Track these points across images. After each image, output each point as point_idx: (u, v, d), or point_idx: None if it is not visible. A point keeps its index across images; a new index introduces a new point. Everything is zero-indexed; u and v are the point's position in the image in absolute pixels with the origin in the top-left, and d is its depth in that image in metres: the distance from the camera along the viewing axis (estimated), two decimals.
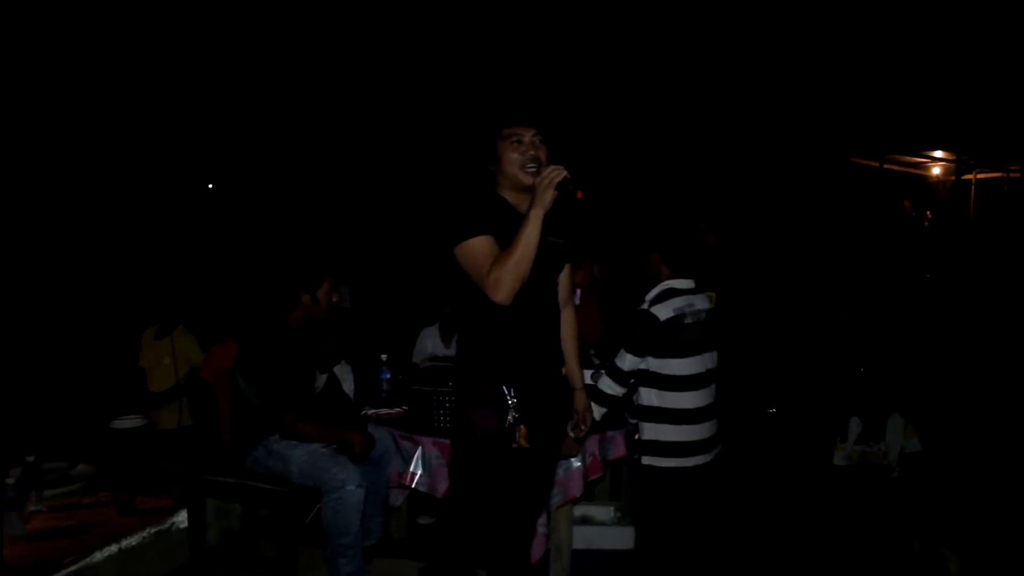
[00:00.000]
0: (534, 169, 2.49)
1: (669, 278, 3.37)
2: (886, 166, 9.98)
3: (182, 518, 3.67)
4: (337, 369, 4.26)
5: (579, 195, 2.36)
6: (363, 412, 4.02)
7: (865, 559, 3.90)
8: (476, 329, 2.60)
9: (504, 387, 2.53)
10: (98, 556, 3.16)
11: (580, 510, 4.24)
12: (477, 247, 2.47)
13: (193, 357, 5.19)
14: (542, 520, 3.37)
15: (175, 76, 9.11)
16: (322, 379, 4.11)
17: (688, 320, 3.23)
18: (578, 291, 4.69)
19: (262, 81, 9.62)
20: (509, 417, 2.52)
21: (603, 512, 4.41)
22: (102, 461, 4.06)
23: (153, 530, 3.53)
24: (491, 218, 2.51)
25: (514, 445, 2.53)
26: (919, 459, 4.04)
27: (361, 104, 9.94)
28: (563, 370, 2.71)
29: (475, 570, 2.74)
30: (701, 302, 3.33)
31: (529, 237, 2.37)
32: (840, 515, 4.12)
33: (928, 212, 9.32)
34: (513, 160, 2.53)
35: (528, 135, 2.54)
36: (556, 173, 2.37)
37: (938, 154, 10.04)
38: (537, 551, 3.35)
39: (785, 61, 9.05)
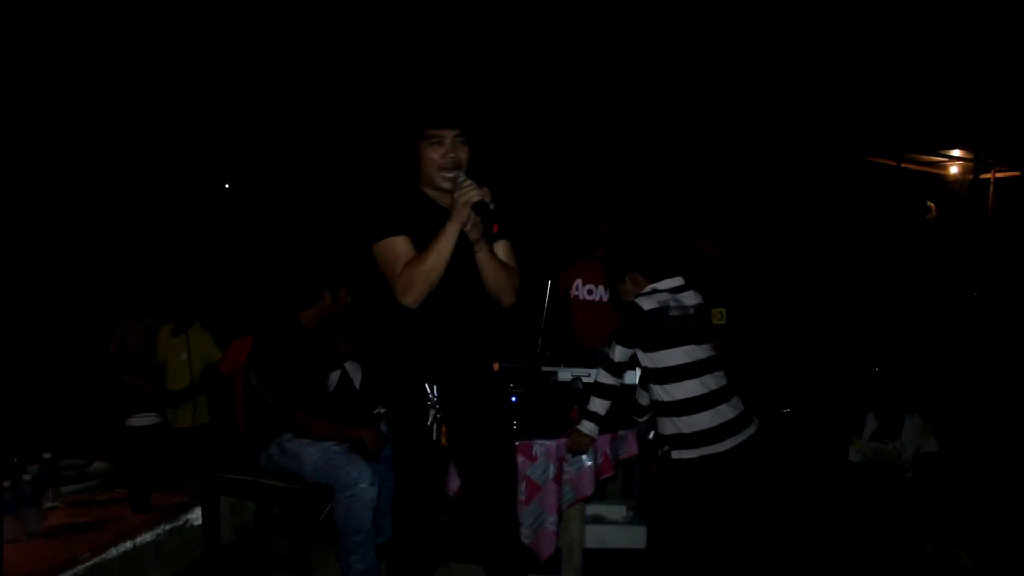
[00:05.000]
0: (451, 172, 2.52)
1: (650, 283, 3.42)
2: (903, 165, 9.90)
3: (196, 515, 3.71)
4: (349, 367, 4.29)
5: (495, 229, 2.39)
6: (376, 411, 4.04)
7: (878, 558, 3.89)
8: (395, 326, 2.63)
9: (427, 385, 2.58)
10: (113, 552, 3.20)
11: (592, 509, 4.25)
12: (392, 248, 2.53)
13: (209, 353, 5.23)
14: (552, 519, 3.38)
15: (190, 75, 9.17)
16: (334, 377, 4.15)
17: (673, 312, 3.26)
18: (607, 288, 4.70)
19: (271, 83, 9.65)
20: (431, 415, 2.57)
21: (615, 511, 4.41)
22: (118, 458, 4.10)
23: (168, 527, 3.56)
24: (411, 215, 2.54)
25: (441, 443, 2.59)
26: (934, 460, 4.02)
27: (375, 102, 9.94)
28: (495, 366, 2.71)
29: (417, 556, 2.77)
30: (689, 299, 3.35)
31: (442, 250, 2.44)
32: (853, 514, 4.11)
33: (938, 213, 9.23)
34: (432, 161, 2.55)
35: (449, 136, 2.54)
36: (473, 193, 2.41)
37: (956, 153, 9.93)
38: (548, 549, 3.36)
39: (801, 58, 8.99)
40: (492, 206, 2.43)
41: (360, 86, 9.53)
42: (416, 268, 2.45)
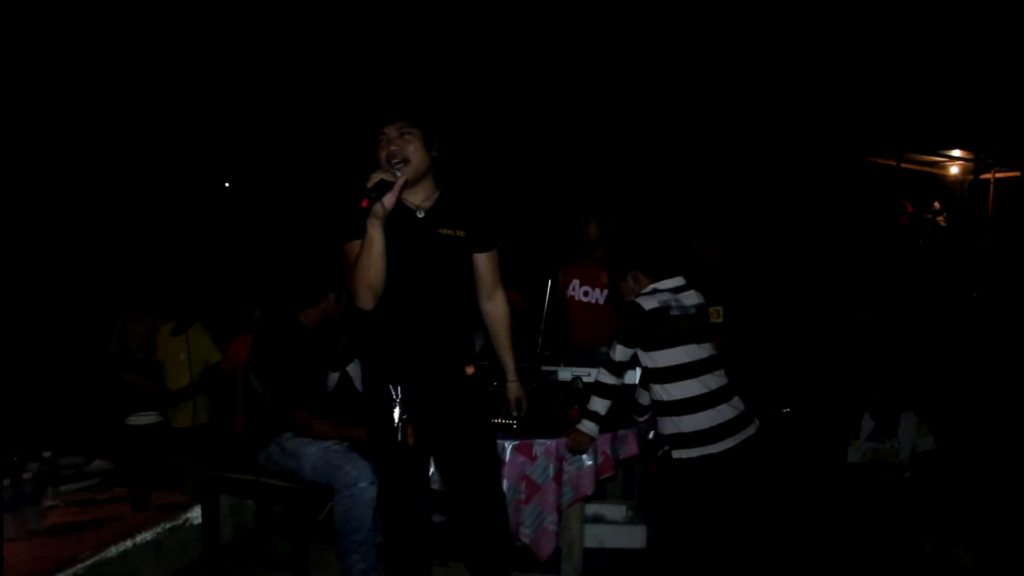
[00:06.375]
0: (400, 163, 2.50)
1: (652, 282, 3.41)
2: (903, 165, 9.90)
3: (196, 514, 3.70)
4: (349, 368, 4.29)
5: (364, 203, 2.32)
6: None
7: (877, 559, 3.89)
8: (365, 327, 2.64)
9: (391, 386, 2.57)
10: (112, 551, 3.19)
11: (592, 508, 4.24)
12: (350, 251, 2.53)
13: (207, 355, 5.23)
14: (552, 518, 3.38)
15: (190, 75, 9.17)
16: (334, 377, 4.14)
17: (673, 312, 3.26)
18: (604, 292, 4.68)
19: (270, 83, 9.65)
20: (396, 415, 2.56)
21: (615, 511, 4.40)
22: (118, 457, 4.10)
23: (167, 526, 3.55)
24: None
25: (408, 443, 2.58)
26: (932, 458, 4.02)
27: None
28: (469, 369, 2.70)
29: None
30: (689, 298, 3.34)
31: (368, 248, 2.40)
32: (853, 514, 4.11)
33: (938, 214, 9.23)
34: (382, 159, 2.53)
35: (391, 131, 2.52)
36: (376, 177, 2.36)
37: (956, 153, 9.94)
38: (548, 548, 3.36)
39: (801, 58, 8.99)
40: (389, 181, 2.37)
41: (337, 89, 9.56)
42: (353, 273, 2.45)
